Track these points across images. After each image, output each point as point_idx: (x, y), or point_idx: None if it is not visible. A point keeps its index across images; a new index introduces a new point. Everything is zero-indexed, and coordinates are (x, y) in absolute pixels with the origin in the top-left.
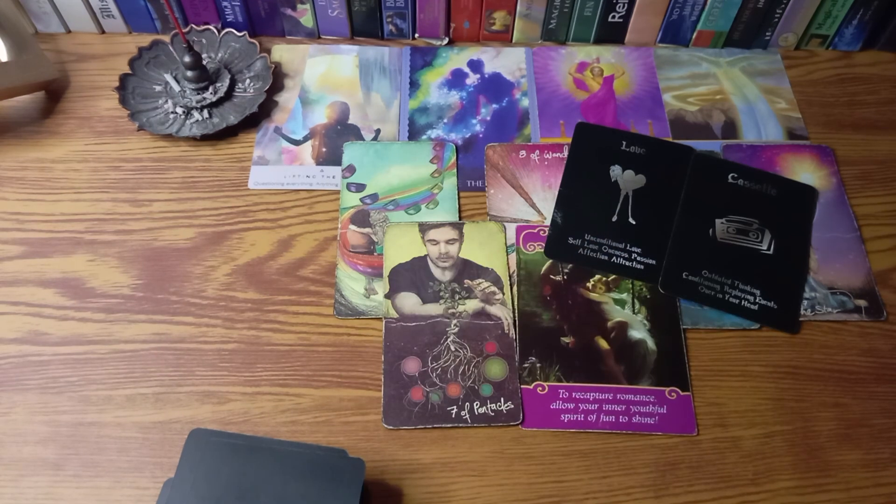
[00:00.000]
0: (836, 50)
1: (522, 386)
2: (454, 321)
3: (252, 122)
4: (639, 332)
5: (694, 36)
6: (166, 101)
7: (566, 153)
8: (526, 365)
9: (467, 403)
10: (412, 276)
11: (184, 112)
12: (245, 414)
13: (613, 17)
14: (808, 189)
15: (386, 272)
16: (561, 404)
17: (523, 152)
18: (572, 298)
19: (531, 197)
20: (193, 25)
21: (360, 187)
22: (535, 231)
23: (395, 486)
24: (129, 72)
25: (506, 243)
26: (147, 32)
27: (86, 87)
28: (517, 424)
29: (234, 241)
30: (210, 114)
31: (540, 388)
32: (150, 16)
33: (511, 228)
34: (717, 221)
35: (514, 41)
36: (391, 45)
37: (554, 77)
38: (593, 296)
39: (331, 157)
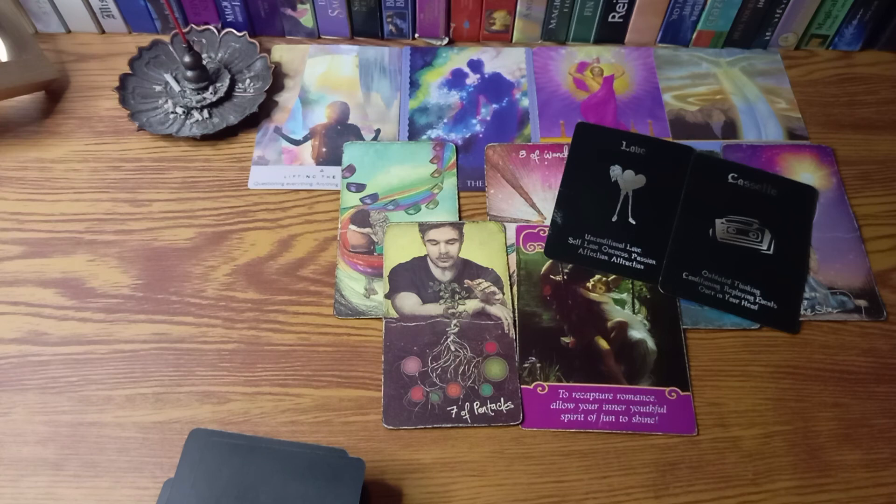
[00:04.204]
0: (836, 50)
1: (522, 386)
2: (454, 321)
3: (252, 122)
4: (639, 332)
5: (694, 36)
6: (166, 101)
7: (566, 153)
8: (526, 365)
9: (467, 403)
10: (412, 276)
11: (184, 112)
12: (245, 414)
13: (613, 17)
14: (808, 189)
15: (386, 272)
16: (561, 404)
17: (523, 152)
18: (572, 298)
19: (531, 197)
20: (193, 25)
21: (360, 187)
22: (535, 231)
23: (395, 486)
24: (129, 72)
25: (506, 243)
26: (147, 32)
27: (86, 87)
28: (517, 424)
29: (234, 241)
30: (210, 114)
31: (540, 388)
32: (150, 16)
33: (511, 228)
34: (717, 221)
35: (514, 41)
36: (391, 45)
37: (554, 77)
38: (593, 296)
39: (331, 157)
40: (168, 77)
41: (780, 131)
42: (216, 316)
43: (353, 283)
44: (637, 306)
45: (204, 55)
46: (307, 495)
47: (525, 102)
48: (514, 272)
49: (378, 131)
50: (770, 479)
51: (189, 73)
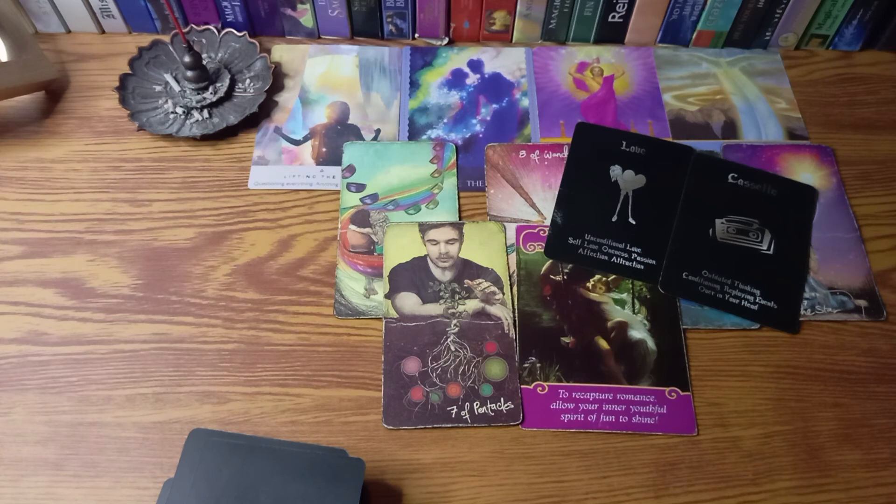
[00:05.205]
0: (836, 50)
1: (522, 386)
2: (454, 321)
3: (252, 122)
4: (639, 332)
5: (694, 36)
6: (166, 101)
7: (566, 153)
8: (526, 365)
9: (467, 403)
10: (412, 276)
11: (184, 112)
12: (245, 414)
13: (613, 17)
14: (808, 189)
15: (386, 272)
16: (561, 404)
17: (523, 152)
18: (572, 298)
19: (531, 197)
20: (193, 25)
21: (360, 187)
22: (535, 231)
23: (395, 486)
24: (129, 72)
25: (506, 243)
26: (147, 32)
27: (86, 87)
28: (517, 424)
29: (234, 241)
30: (210, 114)
31: (540, 388)
32: (150, 16)
33: (511, 228)
34: (717, 221)
35: (514, 41)
36: (391, 45)
37: (554, 77)
38: (593, 296)
39: (331, 157)
40: (168, 77)
41: (780, 131)
42: (216, 316)
43: (353, 283)
44: (637, 306)
45: (204, 55)
46: (307, 495)
47: (525, 102)
48: (514, 272)
49: (378, 131)
50: (770, 479)
51: (189, 73)
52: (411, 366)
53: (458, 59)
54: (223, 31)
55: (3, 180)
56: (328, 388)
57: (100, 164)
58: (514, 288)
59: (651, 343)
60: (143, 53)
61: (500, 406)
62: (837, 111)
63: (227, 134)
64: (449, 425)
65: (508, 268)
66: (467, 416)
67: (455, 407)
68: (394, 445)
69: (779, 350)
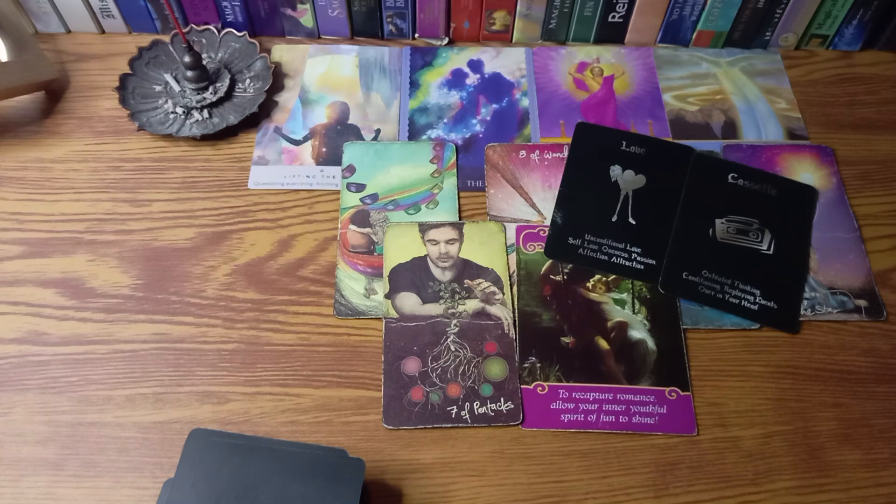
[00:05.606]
0: (836, 50)
1: (522, 386)
2: (454, 321)
3: (252, 122)
4: (639, 332)
5: (694, 36)
6: (166, 101)
7: (566, 153)
8: (526, 365)
9: (467, 403)
10: (412, 276)
11: (184, 112)
12: (245, 414)
13: (613, 17)
14: (808, 189)
15: (386, 272)
16: (561, 404)
17: (523, 152)
18: (572, 298)
19: (531, 197)
20: (193, 25)
21: (360, 187)
22: (535, 231)
23: (395, 486)
24: (129, 72)
25: (506, 243)
26: (147, 32)
27: (86, 87)
28: (517, 424)
29: (234, 241)
30: (210, 114)
31: (540, 388)
32: (150, 16)
33: (511, 228)
34: (717, 221)
35: (514, 41)
36: (391, 45)
37: (554, 77)
38: (593, 296)
39: (331, 157)
40: (168, 77)
41: (780, 131)
42: (216, 316)
43: (353, 283)
44: (637, 306)
45: (204, 55)
46: (307, 495)
47: (525, 102)
48: (514, 272)
49: (378, 131)
50: (770, 479)
51: (189, 73)
52: (411, 366)
53: (458, 59)
54: (223, 31)
55: (3, 180)
56: (328, 388)
57: (100, 164)
58: (514, 288)
59: (651, 343)
60: (143, 53)
61: (500, 406)
62: (837, 111)
63: (227, 134)
64: (449, 425)
65: (508, 268)
66: (467, 416)
67: (455, 407)
68: (394, 445)
69: (779, 350)
